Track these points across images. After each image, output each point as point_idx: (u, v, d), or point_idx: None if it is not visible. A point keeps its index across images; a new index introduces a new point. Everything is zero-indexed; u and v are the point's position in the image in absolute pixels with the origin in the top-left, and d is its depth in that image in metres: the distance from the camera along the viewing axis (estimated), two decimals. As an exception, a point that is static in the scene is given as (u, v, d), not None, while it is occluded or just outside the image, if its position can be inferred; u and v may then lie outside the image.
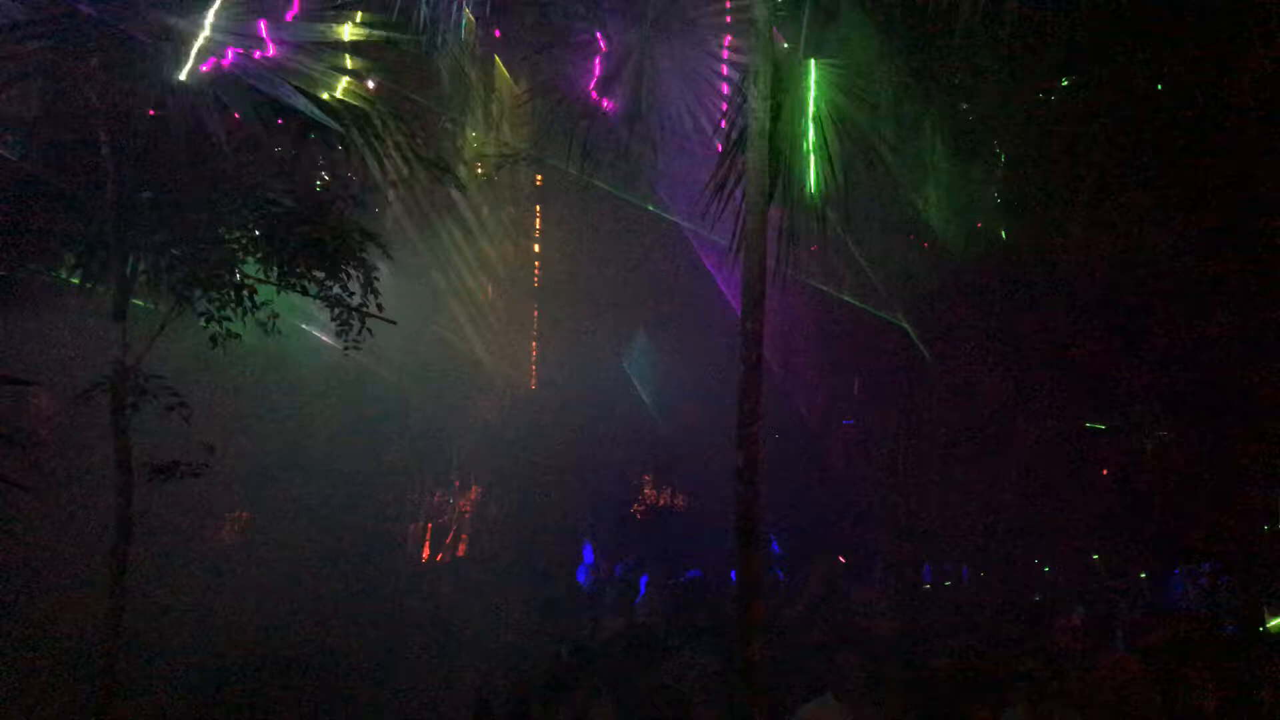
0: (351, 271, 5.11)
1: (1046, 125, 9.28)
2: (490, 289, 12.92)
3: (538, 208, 13.82)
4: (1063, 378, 10.15)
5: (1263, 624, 8.36)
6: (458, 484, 12.77)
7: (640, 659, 5.74)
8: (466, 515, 12.76)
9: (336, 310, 5.13)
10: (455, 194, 10.50)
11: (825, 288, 10.84)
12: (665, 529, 13.33)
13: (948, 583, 11.42)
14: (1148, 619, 8.07)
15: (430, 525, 12.39)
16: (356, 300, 5.15)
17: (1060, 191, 9.34)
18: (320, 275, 5.05)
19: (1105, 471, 11.23)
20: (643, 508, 14.22)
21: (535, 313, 13.98)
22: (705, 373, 11.36)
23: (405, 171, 5.31)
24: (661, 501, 14.39)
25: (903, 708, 3.93)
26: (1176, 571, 9.72)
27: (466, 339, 12.35)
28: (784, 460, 11.72)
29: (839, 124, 5.25)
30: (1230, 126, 8.00)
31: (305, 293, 5.06)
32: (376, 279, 5.23)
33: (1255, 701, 5.12)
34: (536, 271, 13.94)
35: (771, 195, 5.03)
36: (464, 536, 12.72)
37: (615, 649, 6.11)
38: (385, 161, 5.21)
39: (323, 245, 4.90)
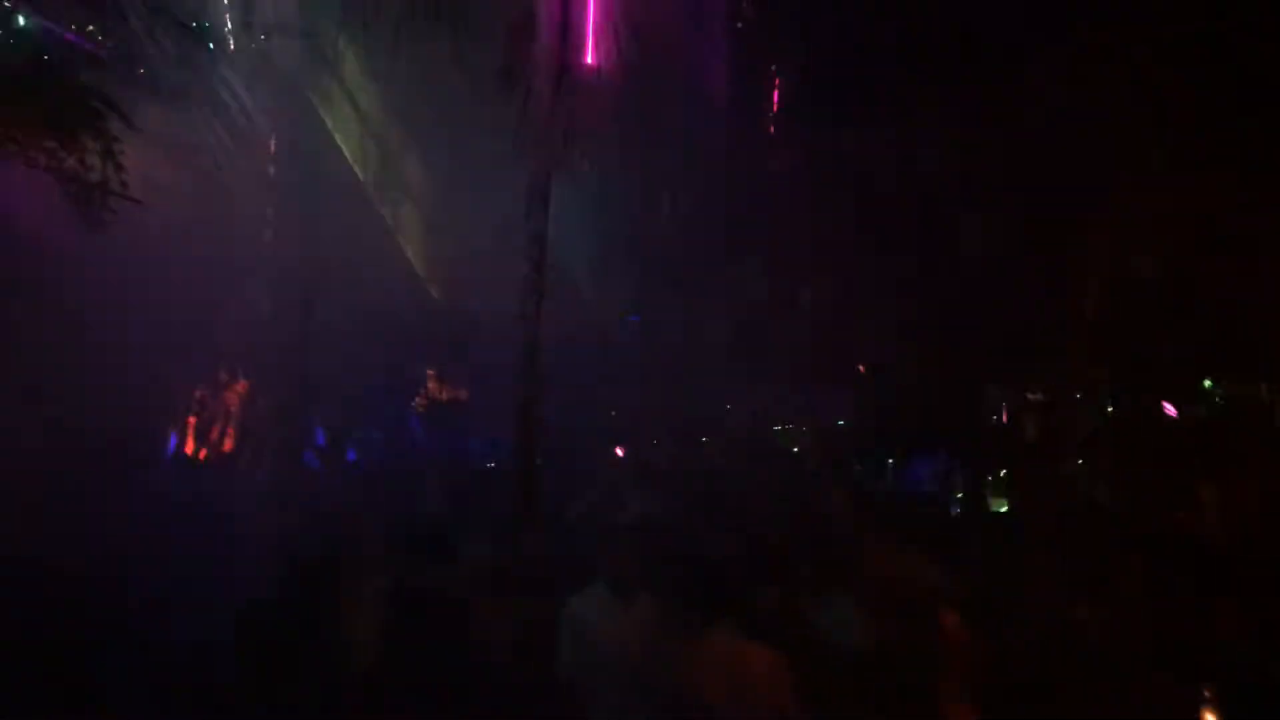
0: (90, 144, 4.56)
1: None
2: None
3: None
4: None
5: (986, 506, 9.44)
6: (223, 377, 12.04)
7: (424, 554, 5.65)
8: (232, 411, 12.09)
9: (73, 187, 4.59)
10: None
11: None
12: (447, 423, 13.20)
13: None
14: (892, 500, 8.86)
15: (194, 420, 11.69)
16: (96, 176, 4.62)
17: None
18: (52, 146, 4.48)
19: (862, 369, 12.28)
20: (425, 401, 13.98)
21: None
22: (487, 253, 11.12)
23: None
24: (445, 396, 14.19)
25: (683, 594, 4.03)
26: (917, 460, 10.77)
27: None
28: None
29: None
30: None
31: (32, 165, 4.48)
32: (121, 151, 4.70)
33: (974, 575, 5.79)
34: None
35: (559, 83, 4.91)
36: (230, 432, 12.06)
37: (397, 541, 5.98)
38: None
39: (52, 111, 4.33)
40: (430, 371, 14.05)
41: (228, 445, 11.49)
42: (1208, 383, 10.84)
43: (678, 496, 9.18)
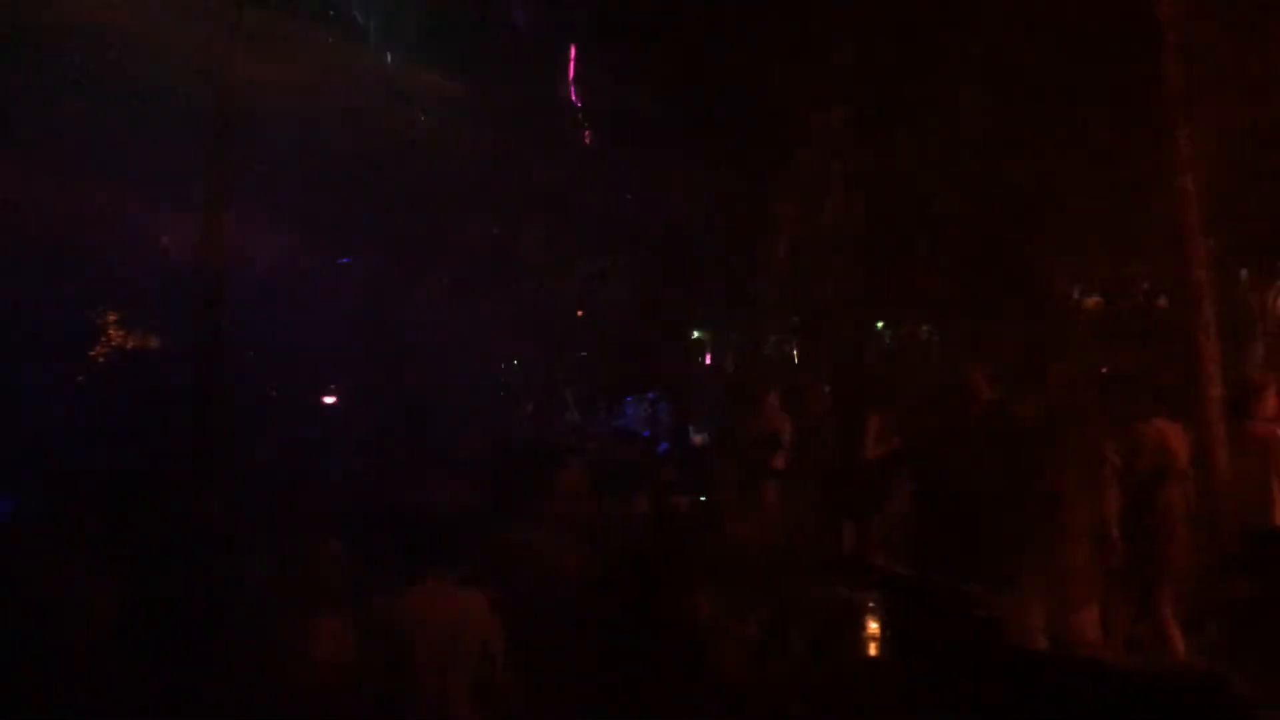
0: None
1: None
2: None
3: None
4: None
5: (689, 440, 10.18)
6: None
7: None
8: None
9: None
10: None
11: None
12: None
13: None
14: (606, 439, 9.36)
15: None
16: None
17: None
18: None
19: (581, 313, 12.81)
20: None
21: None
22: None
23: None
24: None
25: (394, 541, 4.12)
26: (629, 399, 11.40)
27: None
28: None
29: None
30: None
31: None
32: None
33: (672, 507, 6.33)
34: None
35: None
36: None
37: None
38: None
39: None
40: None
41: None
42: (880, 324, 12.23)
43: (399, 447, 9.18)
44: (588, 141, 9.55)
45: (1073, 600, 5.33)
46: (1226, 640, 4.13)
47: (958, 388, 6.54)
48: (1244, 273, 8.68)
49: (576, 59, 9.12)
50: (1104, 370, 8.35)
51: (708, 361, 11.76)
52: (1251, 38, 6.27)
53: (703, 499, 7.11)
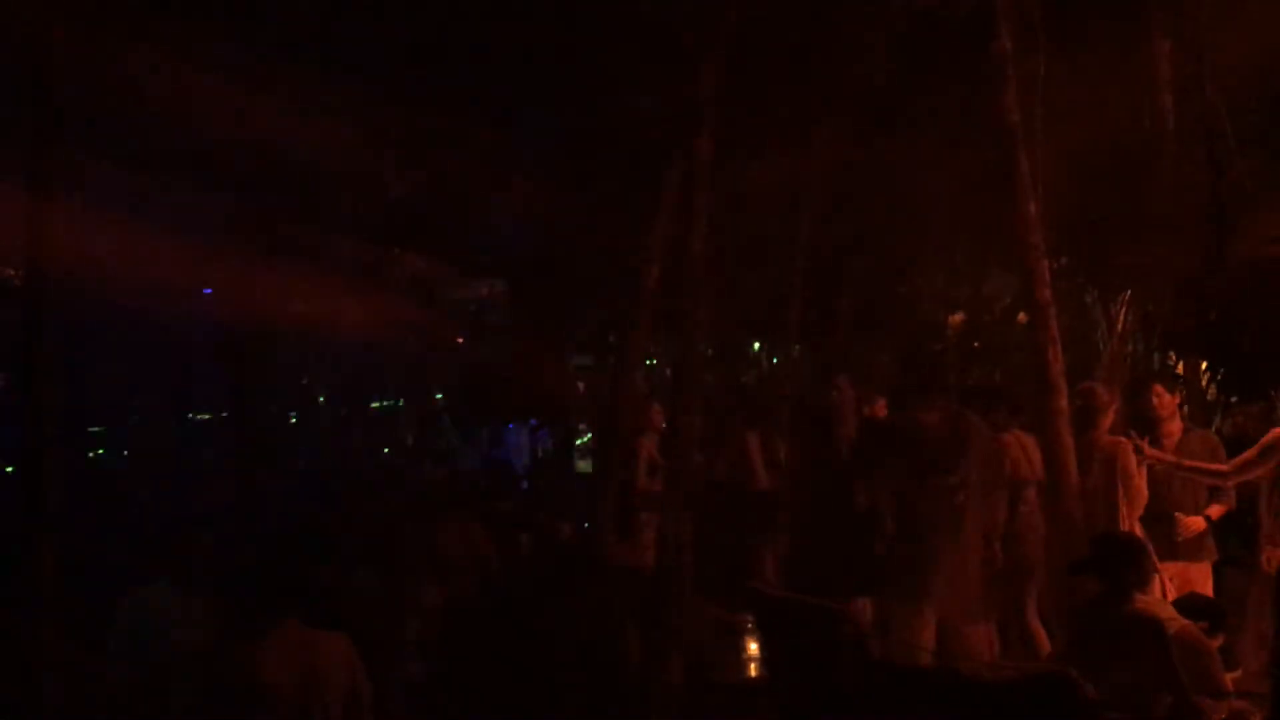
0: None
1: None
2: None
3: None
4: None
5: (570, 467, 10.19)
6: None
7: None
8: None
9: None
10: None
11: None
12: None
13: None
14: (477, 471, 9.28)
15: None
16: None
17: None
18: None
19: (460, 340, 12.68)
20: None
21: None
22: None
23: None
24: None
25: (240, 580, 3.96)
26: (511, 426, 11.32)
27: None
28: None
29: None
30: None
31: None
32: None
33: (551, 535, 6.36)
34: None
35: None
36: None
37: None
38: None
39: None
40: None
41: None
42: (756, 345, 12.50)
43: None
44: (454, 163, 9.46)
45: (967, 612, 5.53)
46: (1076, 642, 4.32)
47: (834, 405, 6.74)
48: (1093, 292, 9.20)
49: (442, 79, 9.01)
50: (969, 384, 8.76)
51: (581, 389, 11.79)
52: (1085, 71, 6.71)
53: (584, 525, 7.12)
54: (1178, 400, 5.95)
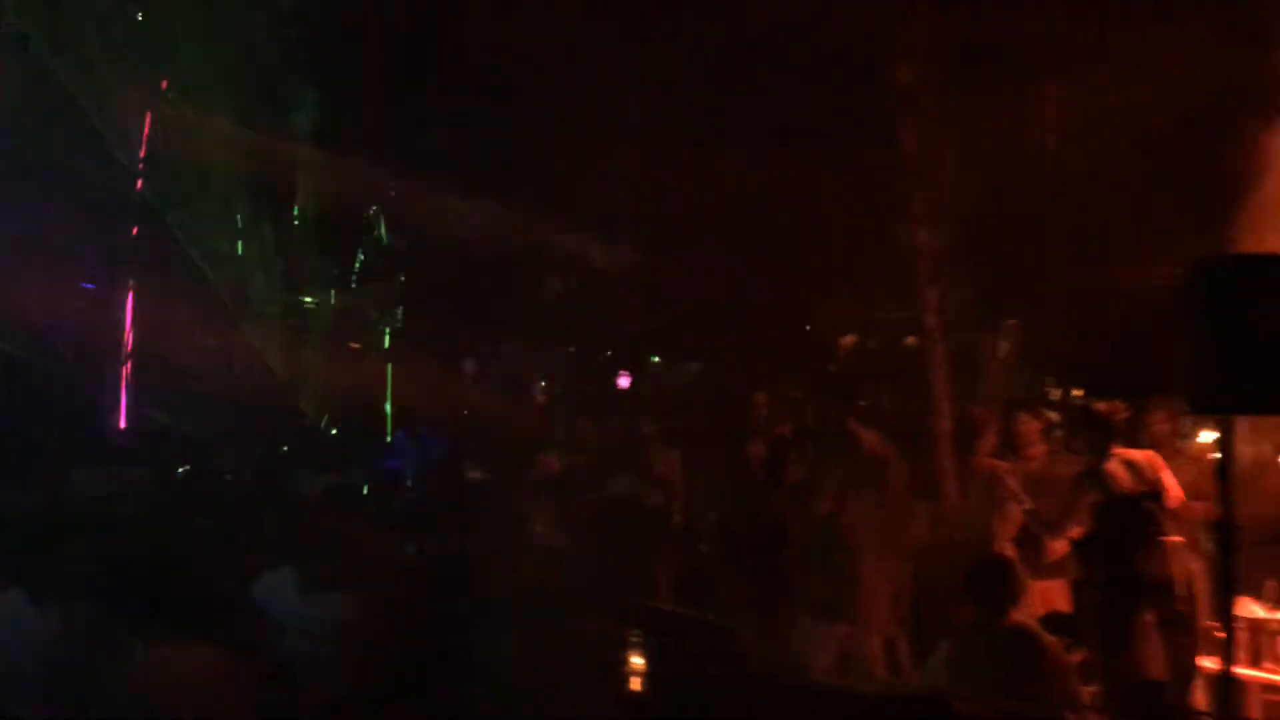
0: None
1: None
2: None
3: None
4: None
5: (464, 478, 10.02)
6: None
7: None
8: None
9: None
10: None
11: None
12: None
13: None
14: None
15: None
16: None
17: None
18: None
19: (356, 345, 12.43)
20: None
21: None
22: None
23: None
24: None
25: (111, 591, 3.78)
26: (402, 434, 11.11)
27: None
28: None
29: None
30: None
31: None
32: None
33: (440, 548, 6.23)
34: None
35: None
36: None
37: None
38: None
39: None
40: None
41: None
42: (655, 358, 12.58)
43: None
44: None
45: (875, 628, 5.62)
46: (954, 659, 4.45)
47: (752, 422, 6.80)
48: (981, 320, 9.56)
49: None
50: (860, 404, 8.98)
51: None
52: (981, 106, 6.98)
53: (476, 538, 7.01)
54: (1041, 427, 6.16)
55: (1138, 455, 5.14)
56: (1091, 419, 5.13)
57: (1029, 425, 5.93)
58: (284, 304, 11.56)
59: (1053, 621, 4.69)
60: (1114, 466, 5.05)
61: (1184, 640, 4.80)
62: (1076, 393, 8.29)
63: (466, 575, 5.51)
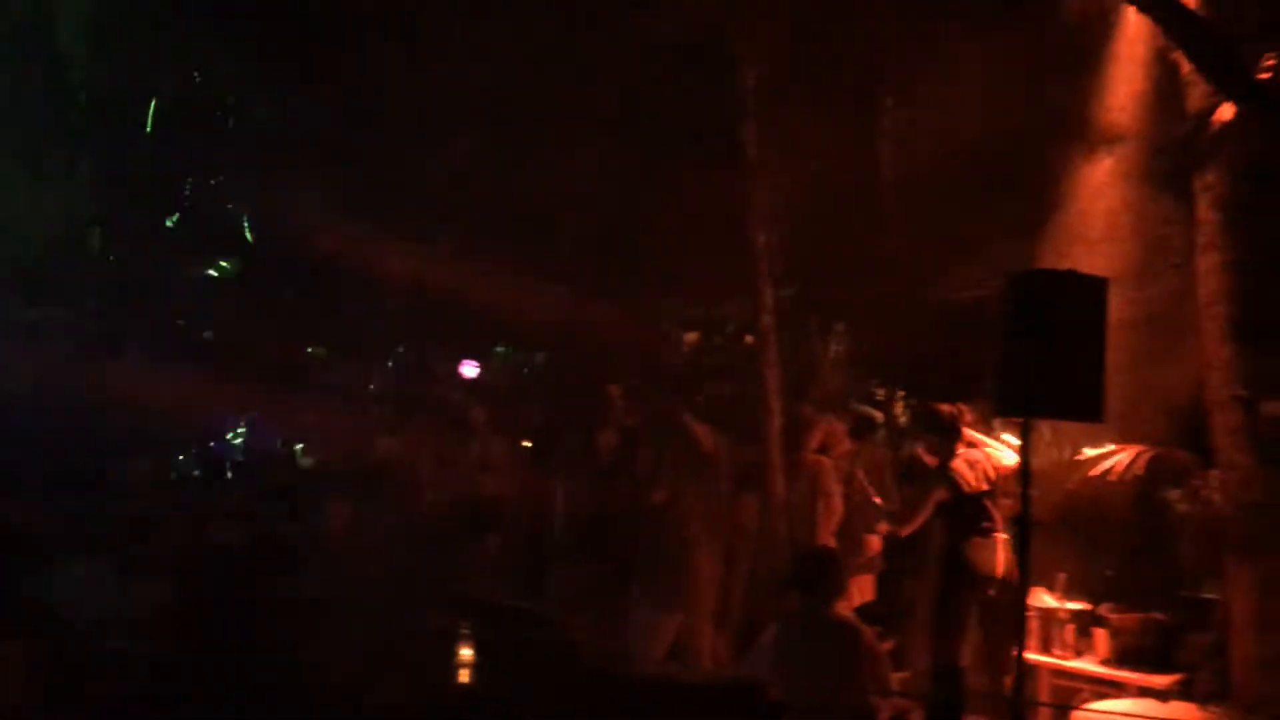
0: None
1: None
2: None
3: None
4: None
5: (294, 465, 9.70)
6: None
7: None
8: None
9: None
10: None
11: None
12: None
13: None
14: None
15: None
16: None
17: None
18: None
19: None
20: None
21: None
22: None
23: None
24: None
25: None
26: (232, 419, 10.64)
27: None
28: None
29: None
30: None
31: None
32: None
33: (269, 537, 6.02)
34: None
35: None
36: None
37: None
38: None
39: None
40: None
41: None
42: (500, 349, 12.46)
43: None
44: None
45: (702, 615, 5.70)
46: (778, 647, 4.59)
47: (602, 413, 6.78)
48: (814, 321, 9.90)
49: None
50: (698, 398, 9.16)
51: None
52: (820, 115, 7.23)
53: (302, 526, 6.80)
54: (847, 428, 6.48)
55: (977, 454, 5.38)
56: (937, 420, 5.35)
57: (836, 425, 6.27)
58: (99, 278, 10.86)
59: (868, 611, 4.92)
60: (959, 465, 5.30)
61: (1001, 629, 5.11)
62: (900, 394, 8.73)
63: (289, 565, 5.32)
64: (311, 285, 10.12)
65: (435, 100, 8.13)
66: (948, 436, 5.32)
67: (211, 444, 10.18)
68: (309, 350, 11.18)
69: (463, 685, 4.84)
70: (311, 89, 8.42)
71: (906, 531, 5.61)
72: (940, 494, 5.29)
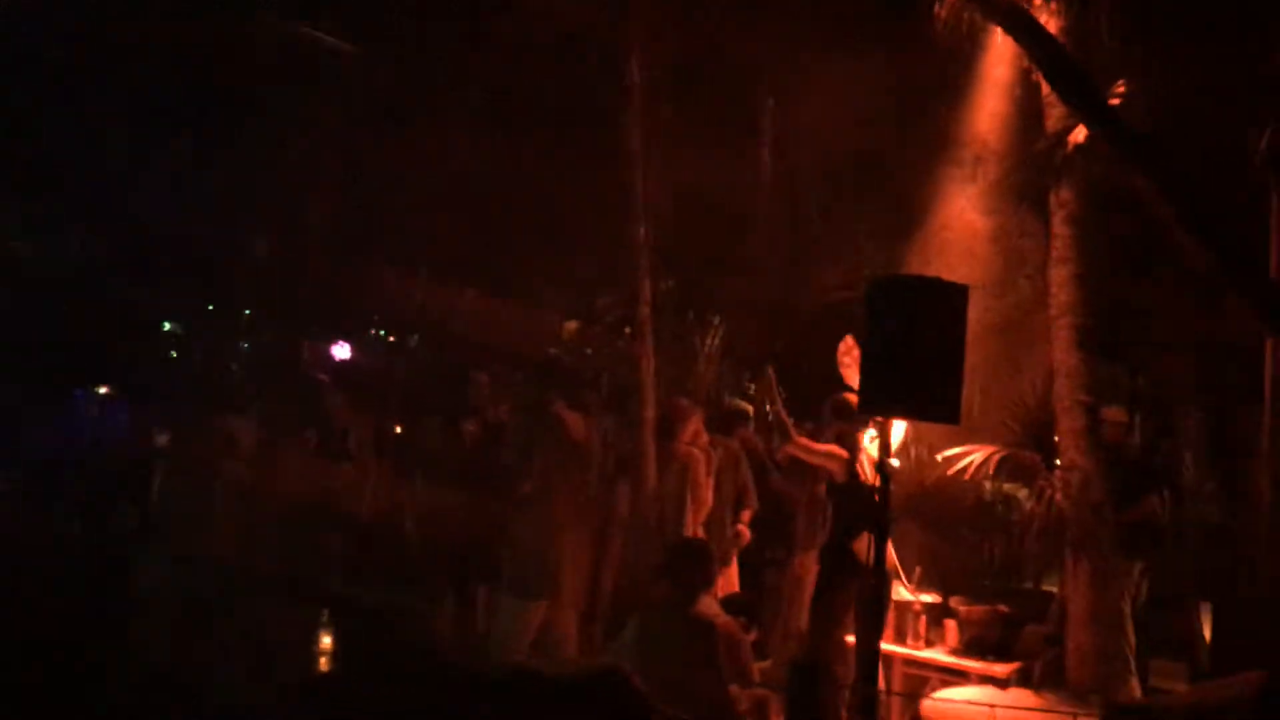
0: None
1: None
2: None
3: None
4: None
5: (150, 444, 9.21)
6: None
7: None
8: None
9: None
10: None
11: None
12: None
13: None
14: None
15: None
16: None
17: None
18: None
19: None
20: None
21: None
22: None
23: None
24: None
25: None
26: (79, 394, 9.99)
27: None
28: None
29: None
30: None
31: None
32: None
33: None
34: None
35: None
36: None
37: None
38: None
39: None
40: None
41: None
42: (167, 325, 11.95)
43: None
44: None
45: (568, 604, 5.67)
46: (643, 637, 4.62)
47: (471, 400, 6.66)
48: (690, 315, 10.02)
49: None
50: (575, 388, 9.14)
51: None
52: (703, 115, 7.32)
53: (149, 514, 6.49)
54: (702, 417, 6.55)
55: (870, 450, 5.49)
56: (843, 411, 5.35)
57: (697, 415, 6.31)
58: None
59: (733, 602, 4.99)
60: (862, 459, 5.37)
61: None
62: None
63: (130, 554, 5.08)
64: (174, 260, 9.66)
65: (310, 80, 7.89)
66: (851, 428, 5.34)
67: (55, 420, 9.56)
68: (165, 326, 10.65)
69: (315, 682, 4.70)
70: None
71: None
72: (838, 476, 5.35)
